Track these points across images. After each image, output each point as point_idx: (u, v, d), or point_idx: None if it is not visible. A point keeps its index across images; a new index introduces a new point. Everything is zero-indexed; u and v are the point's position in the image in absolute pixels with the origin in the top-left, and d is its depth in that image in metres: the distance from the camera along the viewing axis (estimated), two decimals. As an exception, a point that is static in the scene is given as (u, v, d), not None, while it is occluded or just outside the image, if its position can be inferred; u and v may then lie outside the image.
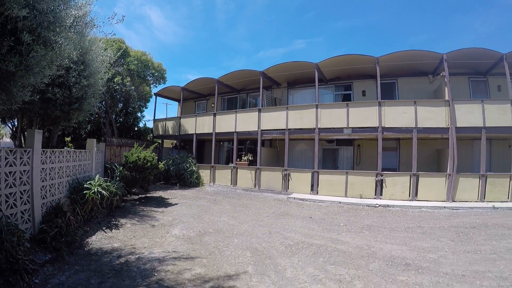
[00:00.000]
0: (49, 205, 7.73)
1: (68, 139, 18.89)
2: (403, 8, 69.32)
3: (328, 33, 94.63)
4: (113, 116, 23.81)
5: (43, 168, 7.46)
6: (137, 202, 13.11)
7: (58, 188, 8.29)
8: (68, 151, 9.21)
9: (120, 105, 24.12)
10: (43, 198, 7.42)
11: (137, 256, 6.53)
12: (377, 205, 12.96)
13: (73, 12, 7.05)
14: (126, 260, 6.28)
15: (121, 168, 13.53)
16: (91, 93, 11.03)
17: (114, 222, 9.41)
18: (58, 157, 8.40)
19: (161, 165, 14.17)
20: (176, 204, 13.01)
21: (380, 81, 15.62)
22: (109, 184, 10.29)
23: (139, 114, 26.63)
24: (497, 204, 12.57)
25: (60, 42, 6.62)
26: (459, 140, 14.15)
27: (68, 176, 9.04)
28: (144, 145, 15.15)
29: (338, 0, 77.92)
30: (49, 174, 7.82)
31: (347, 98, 19.29)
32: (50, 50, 6.42)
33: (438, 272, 5.81)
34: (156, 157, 13.98)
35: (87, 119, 22.82)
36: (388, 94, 17.83)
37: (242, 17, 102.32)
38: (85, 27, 8.81)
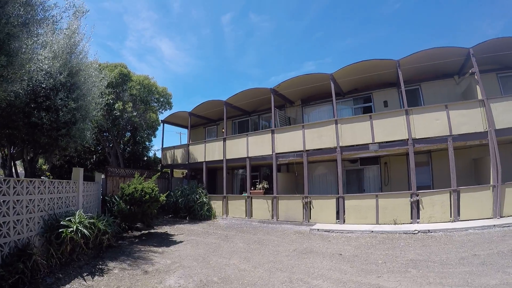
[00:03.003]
0: (13, 246, 6.22)
1: (45, 167, 17.41)
2: (407, 21, 68.29)
3: (336, 53, 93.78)
4: (121, 146, 22.92)
5: (4, 201, 6.03)
6: (136, 240, 11.51)
7: (27, 225, 6.75)
8: (42, 181, 7.67)
9: (128, 134, 23.23)
10: (4, 237, 5.96)
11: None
12: (416, 231, 10.92)
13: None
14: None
15: (120, 201, 11.96)
16: (80, 117, 9.96)
17: (100, 266, 7.77)
18: (27, 188, 6.87)
19: (162, 197, 12.45)
20: (181, 242, 11.26)
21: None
22: (95, 221, 8.62)
23: (147, 143, 25.66)
24: (552, 216, 10.63)
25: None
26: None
27: (42, 211, 7.48)
28: (145, 175, 13.60)
29: (343, 19, 77.56)
30: (14, 208, 6.34)
31: (367, 112, 17.31)
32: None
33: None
34: (157, 189, 12.30)
35: (93, 149, 22.05)
36: (412, 101, 15.85)
37: (250, 44, 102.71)
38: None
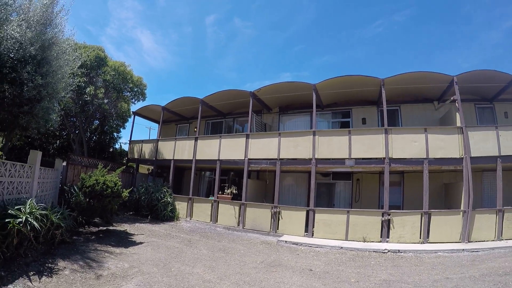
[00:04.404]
0: None
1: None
2: (386, 45, 70.35)
3: (314, 67, 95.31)
4: (88, 134, 21.88)
5: None
6: (92, 237, 10.65)
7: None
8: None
9: (96, 122, 22.24)
10: None
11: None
12: (386, 251, 10.73)
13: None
14: None
15: (80, 193, 11.02)
16: (46, 95, 9.08)
17: (50, 265, 6.94)
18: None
19: (125, 193, 11.65)
20: (141, 243, 10.55)
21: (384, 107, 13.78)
22: (48, 212, 7.69)
23: (115, 134, 24.61)
24: (517, 242, 10.82)
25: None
26: (468, 172, 12.42)
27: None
28: (109, 167, 12.72)
29: (325, 36, 78.81)
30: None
31: (344, 127, 17.21)
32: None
33: None
34: (120, 183, 11.48)
35: (57, 133, 20.79)
36: (391, 122, 15.83)
37: (231, 47, 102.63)
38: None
